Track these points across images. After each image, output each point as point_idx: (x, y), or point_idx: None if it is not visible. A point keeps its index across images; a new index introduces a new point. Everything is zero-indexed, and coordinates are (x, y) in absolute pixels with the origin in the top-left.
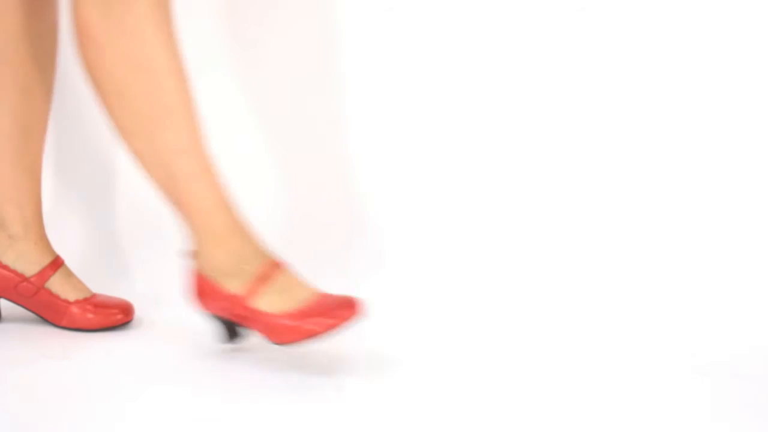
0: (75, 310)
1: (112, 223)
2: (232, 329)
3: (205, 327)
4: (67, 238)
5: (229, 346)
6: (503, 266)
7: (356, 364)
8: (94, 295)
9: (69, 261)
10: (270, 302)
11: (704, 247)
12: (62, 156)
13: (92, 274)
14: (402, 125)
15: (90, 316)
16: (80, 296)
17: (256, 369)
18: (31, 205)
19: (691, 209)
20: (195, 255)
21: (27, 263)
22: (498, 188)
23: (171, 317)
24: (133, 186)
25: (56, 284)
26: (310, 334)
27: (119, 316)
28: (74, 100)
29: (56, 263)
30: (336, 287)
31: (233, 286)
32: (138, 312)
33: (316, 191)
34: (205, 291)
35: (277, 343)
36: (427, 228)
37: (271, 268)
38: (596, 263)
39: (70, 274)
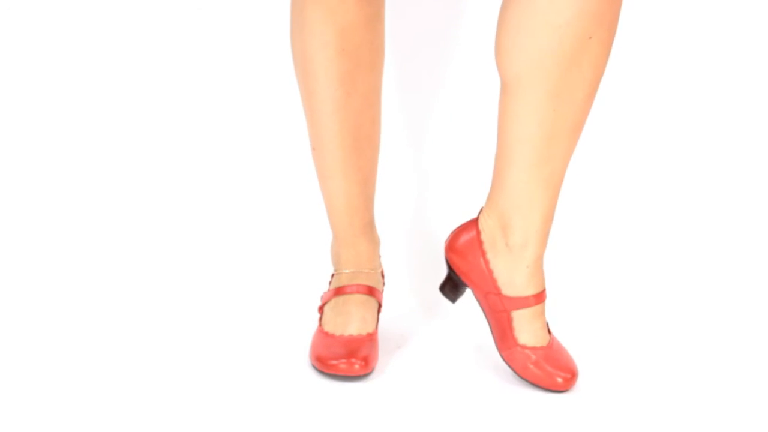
0: (520, 352)
1: None
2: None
3: None
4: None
5: None
6: None
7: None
8: (544, 348)
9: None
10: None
11: (704, 247)
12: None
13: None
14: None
15: (530, 366)
16: (532, 343)
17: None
18: (539, 217)
19: (691, 209)
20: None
21: (508, 281)
22: None
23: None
24: None
25: (520, 318)
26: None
27: (557, 380)
28: None
29: (533, 299)
30: None
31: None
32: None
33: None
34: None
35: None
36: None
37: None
38: (595, 263)
39: (539, 315)
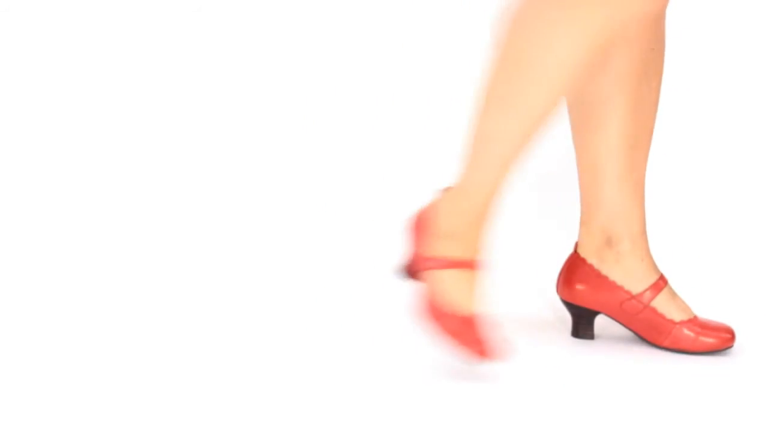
0: (682, 330)
1: None
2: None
3: None
4: None
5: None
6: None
7: None
8: (696, 317)
9: None
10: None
11: (702, 246)
12: None
13: None
14: None
15: (700, 338)
16: (685, 317)
17: None
18: (638, 221)
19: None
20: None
21: (633, 280)
22: None
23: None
24: None
25: (662, 303)
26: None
27: (728, 341)
28: None
29: (661, 282)
30: None
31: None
32: None
33: None
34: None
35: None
36: None
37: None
38: None
39: (674, 294)
